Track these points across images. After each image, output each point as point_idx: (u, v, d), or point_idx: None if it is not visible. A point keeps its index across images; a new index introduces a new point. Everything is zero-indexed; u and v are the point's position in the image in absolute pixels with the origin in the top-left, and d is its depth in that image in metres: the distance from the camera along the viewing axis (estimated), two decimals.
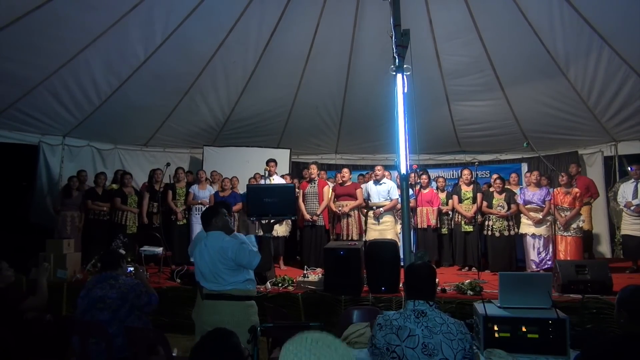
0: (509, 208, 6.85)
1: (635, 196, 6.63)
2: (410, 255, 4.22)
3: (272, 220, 3.38)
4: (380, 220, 6.76)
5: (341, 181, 7.13)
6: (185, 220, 7.45)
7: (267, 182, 7.15)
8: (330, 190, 7.21)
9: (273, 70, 7.80)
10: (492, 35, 6.86)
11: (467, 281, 5.37)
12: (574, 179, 7.25)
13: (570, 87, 7.32)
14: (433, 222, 7.31)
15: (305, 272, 6.03)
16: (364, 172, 9.23)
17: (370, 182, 7.15)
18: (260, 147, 9.46)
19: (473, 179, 7.30)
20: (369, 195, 6.96)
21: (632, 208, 6.63)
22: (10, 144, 7.69)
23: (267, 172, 7.18)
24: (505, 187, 7.15)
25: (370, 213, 6.89)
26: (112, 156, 9.30)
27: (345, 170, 7.19)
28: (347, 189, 6.99)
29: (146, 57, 6.84)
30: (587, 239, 7.55)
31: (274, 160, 7.43)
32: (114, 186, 7.74)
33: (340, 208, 6.89)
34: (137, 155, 9.64)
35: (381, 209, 6.75)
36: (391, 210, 6.81)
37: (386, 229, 6.71)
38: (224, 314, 3.03)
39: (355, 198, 6.90)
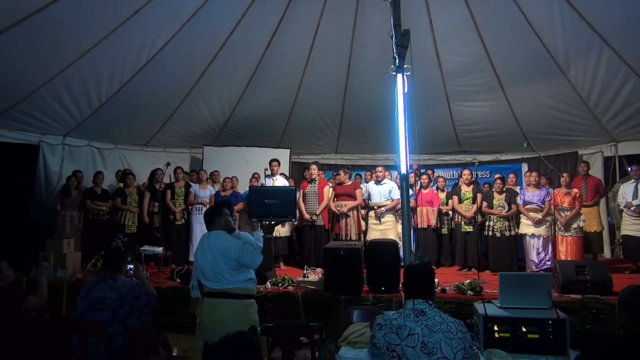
0: (509, 208, 6.85)
1: (635, 196, 6.62)
2: (410, 255, 4.23)
3: (272, 222, 3.40)
4: (382, 220, 6.77)
5: (339, 181, 7.13)
6: (183, 220, 7.44)
7: (270, 182, 7.15)
8: (331, 190, 7.21)
9: (274, 71, 7.81)
10: (492, 35, 6.86)
11: (467, 281, 5.37)
12: (584, 178, 7.31)
13: (570, 88, 7.31)
14: (433, 222, 7.31)
15: (305, 272, 6.03)
16: (361, 172, 9.23)
17: (371, 182, 7.15)
18: (260, 147, 9.47)
19: (473, 179, 7.30)
20: (369, 195, 6.96)
21: (632, 208, 6.63)
22: (10, 143, 7.69)
23: (267, 172, 7.17)
24: (506, 187, 7.15)
25: (372, 213, 6.89)
26: (112, 156, 9.29)
27: (341, 171, 7.19)
28: (347, 189, 6.99)
29: (147, 60, 6.84)
30: (598, 240, 7.48)
31: (276, 160, 7.42)
32: (121, 185, 7.73)
33: (339, 208, 6.89)
34: (138, 155, 9.64)
35: (382, 208, 6.75)
36: (392, 210, 6.81)
37: (388, 229, 6.72)
38: (225, 312, 3.07)
39: (355, 198, 6.89)
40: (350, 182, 7.20)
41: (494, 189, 7.12)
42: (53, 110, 7.34)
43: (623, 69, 6.61)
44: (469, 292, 5.12)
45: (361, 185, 7.34)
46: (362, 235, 6.93)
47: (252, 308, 3.20)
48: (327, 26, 6.98)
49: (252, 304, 3.20)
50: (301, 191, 7.19)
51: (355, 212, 6.93)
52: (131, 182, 7.51)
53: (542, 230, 6.59)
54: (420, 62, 5.35)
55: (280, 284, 5.55)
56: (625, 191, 6.82)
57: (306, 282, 5.56)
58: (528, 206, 6.67)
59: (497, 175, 7.32)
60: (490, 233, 6.91)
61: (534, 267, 6.58)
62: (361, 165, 10.33)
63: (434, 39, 7.06)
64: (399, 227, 6.94)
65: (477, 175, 7.32)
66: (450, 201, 7.38)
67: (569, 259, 6.19)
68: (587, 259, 6.69)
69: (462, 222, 7.14)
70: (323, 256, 5.57)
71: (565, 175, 6.75)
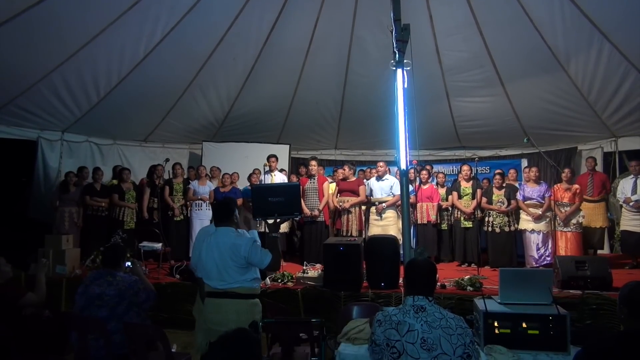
0: (508, 204, 6.84)
1: (634, 192, 6.62)
2: (410, 251, 4.21)
3: (278, 220, 3.31)
4: (383, 216, 6.76)
5: (342, 177, 7.10)
6: (182, 216, 7.43)
7: (269, 178, 7.13)
8: (332, 186, 7.19)
9: (273, 65, 7.77)
10: (492, 30, 6.82)
11: (466, 277, 5.37)
12: (591, 173, 7.32)
13: (570, 83, 7.29)
14: (433, 217, 7.30)
15: (304, 267, 6.03)
16: (363, 168, 9.21)
17: (373, 179, 7.13)
18: (259, 142, 9.45)
19: (473, 174, 7.29)
20: (371, 191, 6.95)
21: (631, 204, 6.62)
22: (9, 139, 7.66)
23: (267, 168, 7.16)
24: (506, 182, 7.14)
25: (373, 209, 6.87)
26: (111, 152, 9.27)
27: (346, 167, 7.17)
28: (350, 185, 6.97)
29: (145, 54, 6.80)
30: (601, 236, 7.43)
31: (274, 156, 7.42)
32: (114, 182, 7.71)
33: (341, 203, 6.87)
34: (137, 151, 9.62)
35: (384, 204, 6.74)
36: (394, 205, 6.80)
37: (389, 225, 6.71)
38: (229, 312, 2.97)
39: (358, 194, 6.88)
40: (354, 178, 7.17)
41: (493, 185, 7.11)
42: (51, 105, 7.30)
43: (623, 64, 6.59)
44: (468, 287, 5.12)
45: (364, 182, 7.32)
46: (362, 232, 6.91)
47: (257, 308, 3.11)
48: (326, 20, 6.94)
49: (256, 304, 3.12)
50: (300, 187, 7.18)
51: (357, 208, 6.91)
52: (127, 178, 7.49)
53: (542, 225, 6.58)
54: (420, 57, 5.33)
55: (279, 280, 5.55)
56: (624, 187, 6.81)
57: (306, 278, 5.55)
58: (528, 202, 6.67)
59: (496, 171, 7.31)
60: (490, 229, 6.90)
61: (534, 263, 6.57)
62: (361, 160, 10.29)
63: (433, 34, 7.03)
64: (400, 223, 6.94)
65: (476, 170, 7.31)
66: (450, 197, 7.36)
67: (569, 254, 6.19)
68: (588, 254, 6.69)
69: (462, 218, 7.13)
70: (323, 252, 5.56)
71: (566, 170, 6.74)
